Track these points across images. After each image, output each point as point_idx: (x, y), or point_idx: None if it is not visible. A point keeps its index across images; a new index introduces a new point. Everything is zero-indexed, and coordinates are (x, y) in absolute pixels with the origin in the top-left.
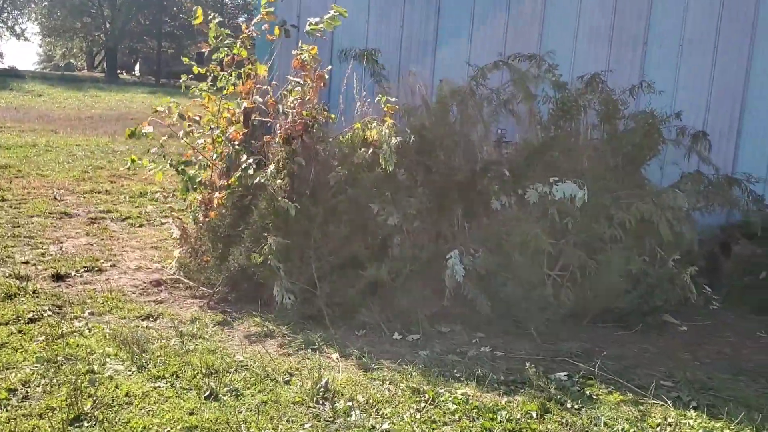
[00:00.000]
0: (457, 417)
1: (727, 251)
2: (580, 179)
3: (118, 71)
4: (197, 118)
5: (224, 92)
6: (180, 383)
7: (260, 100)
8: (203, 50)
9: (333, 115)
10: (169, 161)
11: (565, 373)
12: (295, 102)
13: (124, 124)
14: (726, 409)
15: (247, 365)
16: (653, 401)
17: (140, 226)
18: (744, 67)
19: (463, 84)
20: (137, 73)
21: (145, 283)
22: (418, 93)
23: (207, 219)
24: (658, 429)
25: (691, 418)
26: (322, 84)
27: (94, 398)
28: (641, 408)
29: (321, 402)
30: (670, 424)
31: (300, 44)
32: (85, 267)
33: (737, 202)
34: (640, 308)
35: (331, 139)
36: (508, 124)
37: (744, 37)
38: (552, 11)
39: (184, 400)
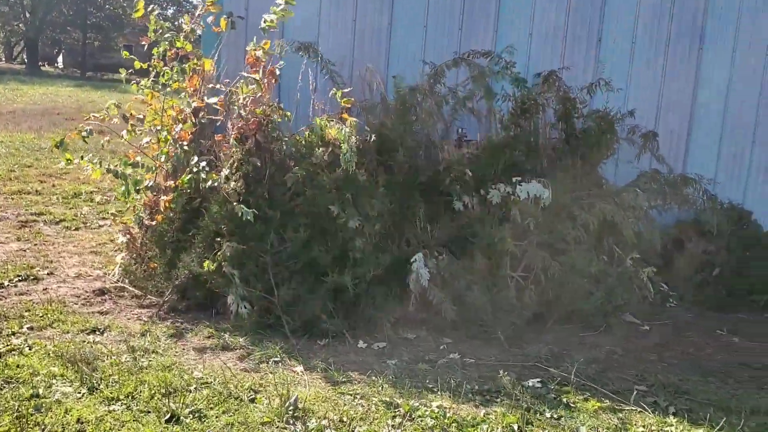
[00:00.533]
0: None
1: (680, 248)
2: (542, 179)
3: (40, 63)
4: (141, 116)
5: (168, 89)
6: (137, 405)
7: (213, 100)
8: (143, 43)
9: (289, 113)
10: (107, 166)
11: (539, 380)
12: (248, 99)
13: (51, 120)
14: (704, 413)
15: (207, 382)
16: (631, 407)
17: (76, 229)
18: (694, 65)
19: (419, 80)
20: (60, 65)
21: (87, 292)
22: (376, 90)
23: (153, 223)
24: None
25: (672, 425)
26: (273, 80)
27: (42, 427)
28: (620, 415)
29: (291, 421)
30: None
31: (254, 39)
32: (19, 276)
33: (694, 201)
34: (602, 308)
35: (287, 138)
36: (468, 123)
37: (694, 33)
38: (507, 6)
39: (143, 425)
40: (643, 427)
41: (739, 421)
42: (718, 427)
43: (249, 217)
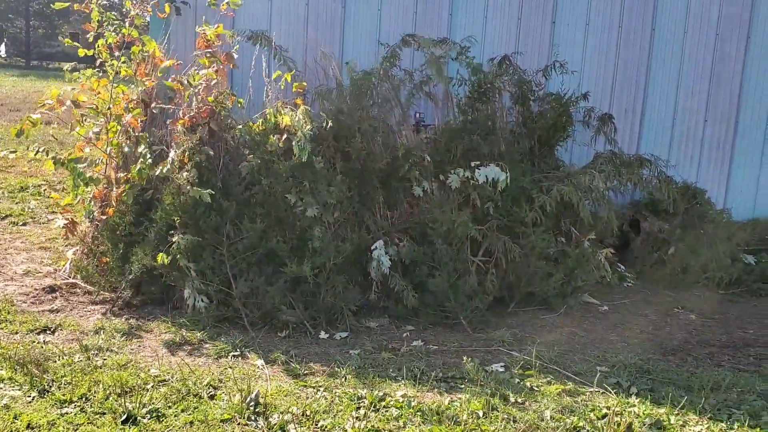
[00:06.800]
0: (402, 423)
1: (636, 228)
2: (500, 162)
3: None
4: (92, 105)
5: (112, 77)
6: (91, 407)
7: (160, 76)
8: (87, 32)
9: (241, 100)
10: (54, 155)
11: (502, 365)
12: (200, 86)
13: None
14: (666, 393)
15: (165, 380)
16: (594, 389)
17: (23, 224)
18: (647, 45)
19: (374, 65)
20: (3, 54)
21: (36, 289)
22: (331, 74)
23: (104, 216)
24: (605, 420)
25: (635, 405)
26: (231, 65)
27: None
28: (584, 397)
29: (253, 417)
30: (616, 413)
31: (204, 20)
32: None
33: (649, 181)
34: (562, 290)
35: (241, 126)
36: (425, 108)
37: (646, 14)
38: None
39: (98, 427)
40: (607, 408)
41: (699, 399)
42: (679, 406)
43: (207, 199)
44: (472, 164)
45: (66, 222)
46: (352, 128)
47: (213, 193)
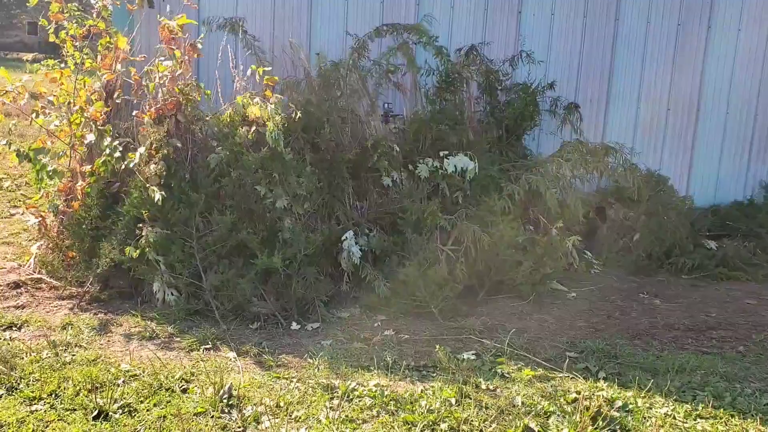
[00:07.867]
0: (375, 412)
1: (602, 215)
2: (469, 152)
3: None
4: (51, 97)
5: (73, 67)
6: (61, 403)
7: (122, 69)
8: (51, 22)
9: (209, 91)
10: (17, 148)
11: (473, 352)
12: (165, 77)
13: None
14: (633, 376)
15: (136, 374)
16: (564, 374)
17: None
18: (611, 37)
19: (342, 55)
20: None
21: (0, 285)
22: (300, 66)
23: (70, 210)
24: (574, 404)
25: (603, 389)
26: (195, 55)
27: None
28: (553, 383)
29: (227, 410)
30: (585, 398)
31: (168, 9)
32: None
33: (615, 169)
34: (531, 278)
35: (208, 118)
36: (393, 98)
37: (610, 4)
38: None
39: (68, 424)
40: (576, 392)
41: (665, 382)
42: (646, 389)
43: (158, 200)
44: (441, 154)
45: (39, 220)
46: (320, 119)
47: (166, 195)
